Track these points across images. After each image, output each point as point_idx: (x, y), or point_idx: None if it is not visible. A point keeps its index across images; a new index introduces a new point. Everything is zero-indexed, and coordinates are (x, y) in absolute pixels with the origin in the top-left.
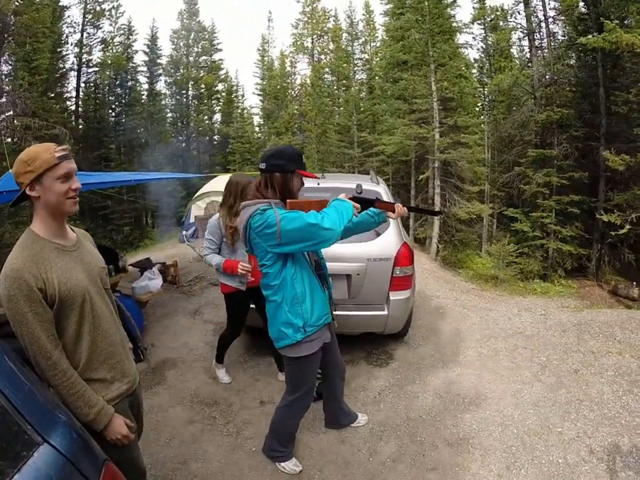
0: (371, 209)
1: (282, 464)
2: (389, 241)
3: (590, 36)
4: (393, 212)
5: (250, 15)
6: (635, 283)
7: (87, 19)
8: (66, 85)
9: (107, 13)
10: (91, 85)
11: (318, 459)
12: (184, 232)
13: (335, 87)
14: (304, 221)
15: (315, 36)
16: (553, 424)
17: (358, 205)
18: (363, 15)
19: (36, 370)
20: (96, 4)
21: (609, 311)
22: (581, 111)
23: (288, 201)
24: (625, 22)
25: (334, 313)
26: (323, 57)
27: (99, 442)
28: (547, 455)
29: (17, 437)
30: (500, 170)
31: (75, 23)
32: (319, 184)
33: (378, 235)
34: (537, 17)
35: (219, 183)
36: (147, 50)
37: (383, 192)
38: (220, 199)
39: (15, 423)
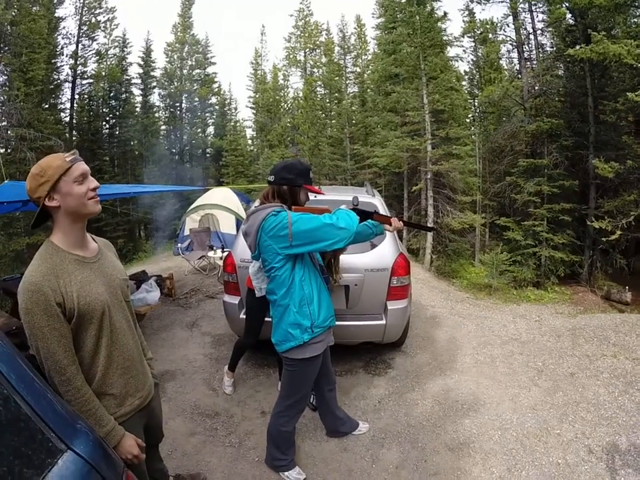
0: (369, 220)
1: (285, 473)
2: (385, 252)
3: (578, 47)
4: (390, 225)
5: (243, 29)
6: (627, 287)
7: (82, 31)
8: (60, 96)
9: (102, 25)
10: (85, 96)
11: (321, 467)
12: (179, 244)
13: (328, 100)
14: (320, 221)
15: (308, 49)
16: (551, 426)
17: (357, 217)
18: (355, 28)
19: (49, 383)
20: (91, 16)
21: (603, 315)
22: (570, 120)
23: (293, 207)
24: (612, 32)
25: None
26: (315, 70)
27: None
28: (546, 457)
29: (41, 444)
30: (491, 180)
31: (70, 34)
32: (315, 196)
33: (374, 246)
34: (525, 29)
35: (214, 195)
36: (141, 62)
37: (379, 204)
38: (214, 211)
39: (38, 430)
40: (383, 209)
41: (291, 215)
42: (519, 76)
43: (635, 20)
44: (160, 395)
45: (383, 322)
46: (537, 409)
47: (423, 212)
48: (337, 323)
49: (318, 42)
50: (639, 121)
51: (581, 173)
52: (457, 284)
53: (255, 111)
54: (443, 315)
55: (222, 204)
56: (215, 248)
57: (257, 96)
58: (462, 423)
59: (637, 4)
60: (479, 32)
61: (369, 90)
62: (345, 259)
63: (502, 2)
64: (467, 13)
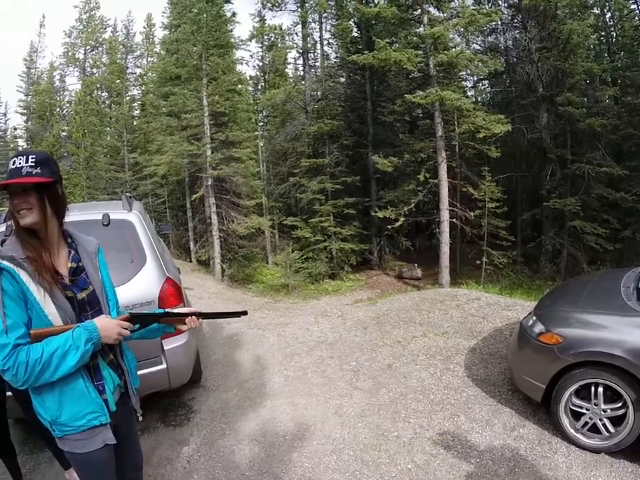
0: (154, 325)
1: None
2: (148, 280)
3: (360, 54)
4: (185, 324)
5: (21, 19)
6: (416, 264)
7: None
8: None
9: None
10: None
11: None
12: None
13: (106, 105)
14: None
15: (89, 47)
16: (387, 430)
17: (130, 325)
18: (144, 27)
19: None
20: None
21: (402, 296)
22: (350, 122)
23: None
24: (393, 46)
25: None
26: (95, 70)
27: None
28: (394, 466)
29: None
30: (276, 182)
31: None
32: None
33: (134, 274)
34: (312, 38)
35: None
36: None
37: (137, 220)
38: None
39: None
40: (141, 225)
41: None
42: (303, 82)
43: (418, 31)
44: None
45: (164, 366)
46: (366, 414)
47: (208, 220)
48: None
49: (101, 39)
50: (413, 122)
51: (361, 169)
52: (254, 289)
53: (26, 118)
54: (241, 331)
55: None
56: None
57: (29, 99)
58: (291, 460)
59: (418, 19)
60: (267, 37)
61: (150, 93)
62: None
63: (294, 11)
64: (258, 18)
